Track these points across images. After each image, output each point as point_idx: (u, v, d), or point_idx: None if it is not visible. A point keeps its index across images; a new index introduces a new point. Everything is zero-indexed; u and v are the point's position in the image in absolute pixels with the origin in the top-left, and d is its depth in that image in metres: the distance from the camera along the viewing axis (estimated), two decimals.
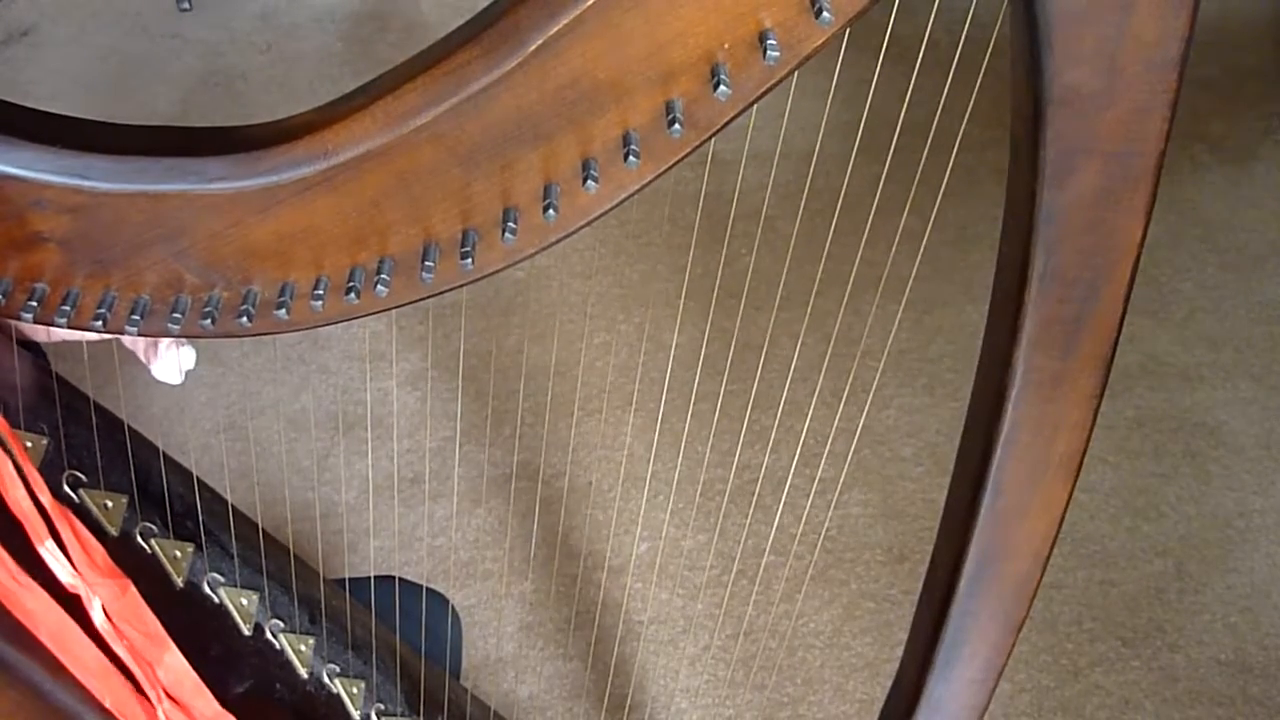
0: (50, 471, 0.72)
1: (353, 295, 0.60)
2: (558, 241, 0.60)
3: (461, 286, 0.61)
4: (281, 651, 0.82)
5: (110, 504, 0.75)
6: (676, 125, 0.55)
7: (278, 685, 0.82)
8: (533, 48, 0.53)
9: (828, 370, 1.79)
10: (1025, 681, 1.60)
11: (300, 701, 0.83)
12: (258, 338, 0.64)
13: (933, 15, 0.81)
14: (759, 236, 2.13)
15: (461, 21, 0.55)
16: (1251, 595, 1.68)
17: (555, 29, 0.52)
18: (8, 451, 0.66)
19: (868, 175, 0.92)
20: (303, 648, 0.83)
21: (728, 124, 0.56)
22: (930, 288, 2.05)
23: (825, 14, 0.52)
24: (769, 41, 0.53)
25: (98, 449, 0.75)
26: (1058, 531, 0.73)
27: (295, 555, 0.86)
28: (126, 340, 0.74)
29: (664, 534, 1.76)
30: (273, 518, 1.11)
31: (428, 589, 1.09)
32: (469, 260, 0.60)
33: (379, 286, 0.60)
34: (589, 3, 0.52)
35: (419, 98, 0.55)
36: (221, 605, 0.80)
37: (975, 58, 0.68)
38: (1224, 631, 1.65)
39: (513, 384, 1.92)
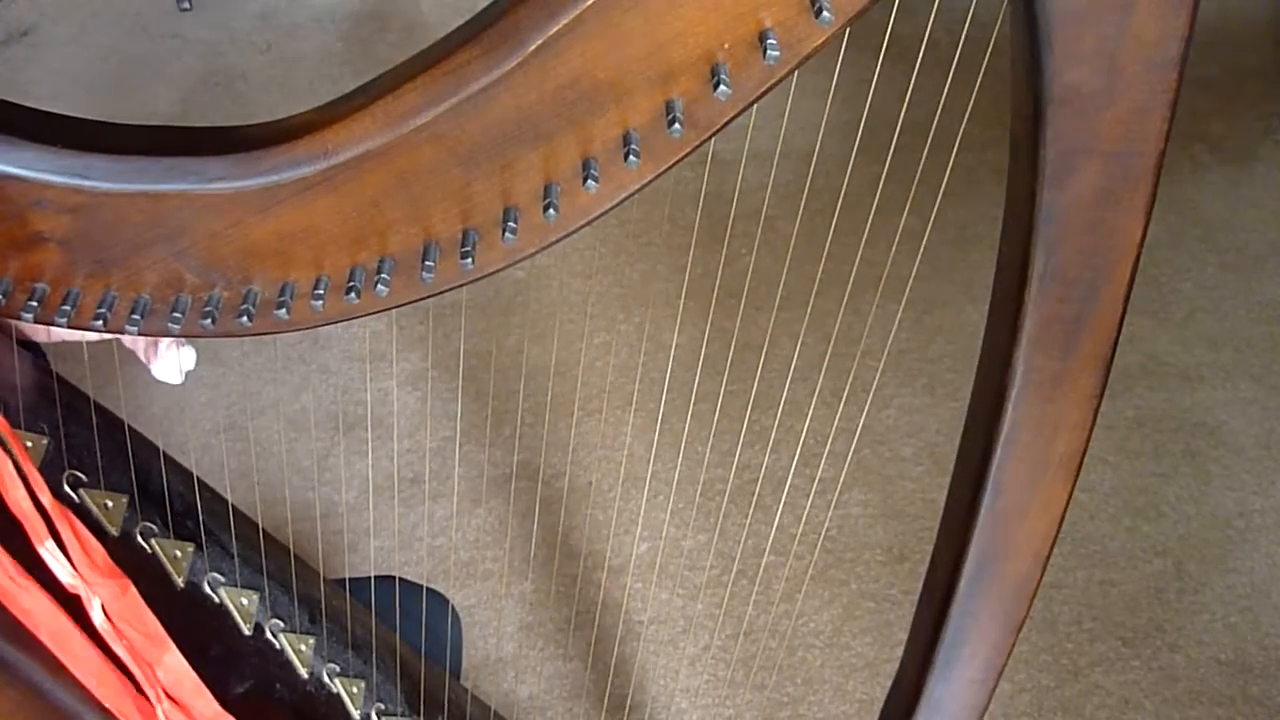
0: (50, 471, 0.72)
1: (353, 295, 0.60)
2: (558, 241, 0.60)
3: (462, 286, 0.61)
4: (281, 651, 0.82)
5: (110, 504, 0.75)
6: (676, 125, 0.55)
7: (278, 685, 0.82)
8: (533, 48, 0.53)
9: (828, 370, 1.79)
10: (1025, 681, 1.60)
11: (300, 701, 0.83)
12: (258, 337, 0.64)
13: (933, 15, 0.81)
14: (759, 236, 2.13)
15: (461, 21, 0.55)
16: (1251, 595, 1.68)
17: (555, 29, 0.52)
18: (8, 451, 0.66)
19: (868, 175, 0.92)
20: (303, 647, 0.83)
21: (728, 124, 0.56)
22: (930, 288, 2.05)
23: (825, 13, 0.52)
24: (769, 41, 0.53)
25: (98, 449, 0.75)
26: (1058, 531, 0.73)
27: (295, 555, 0.86)
28: (126, 340, 0.74)
29: (664, 534, 1.76)
30: (273, 518, 1.11)
31: (428, 589, 1.09)
32: (469, 260, 0.60)
33: (379, 286, 0.60)
34: (589, 3, 0.52)
35: (419, 98, 0.55)
36: (222, 605, 0.80)
37: (975, 58, 0.68)
38: (1224, 631, 1.65)
39: (513, 384, 1.92)
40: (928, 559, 0.80)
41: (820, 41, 0.54)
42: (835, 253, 1.32)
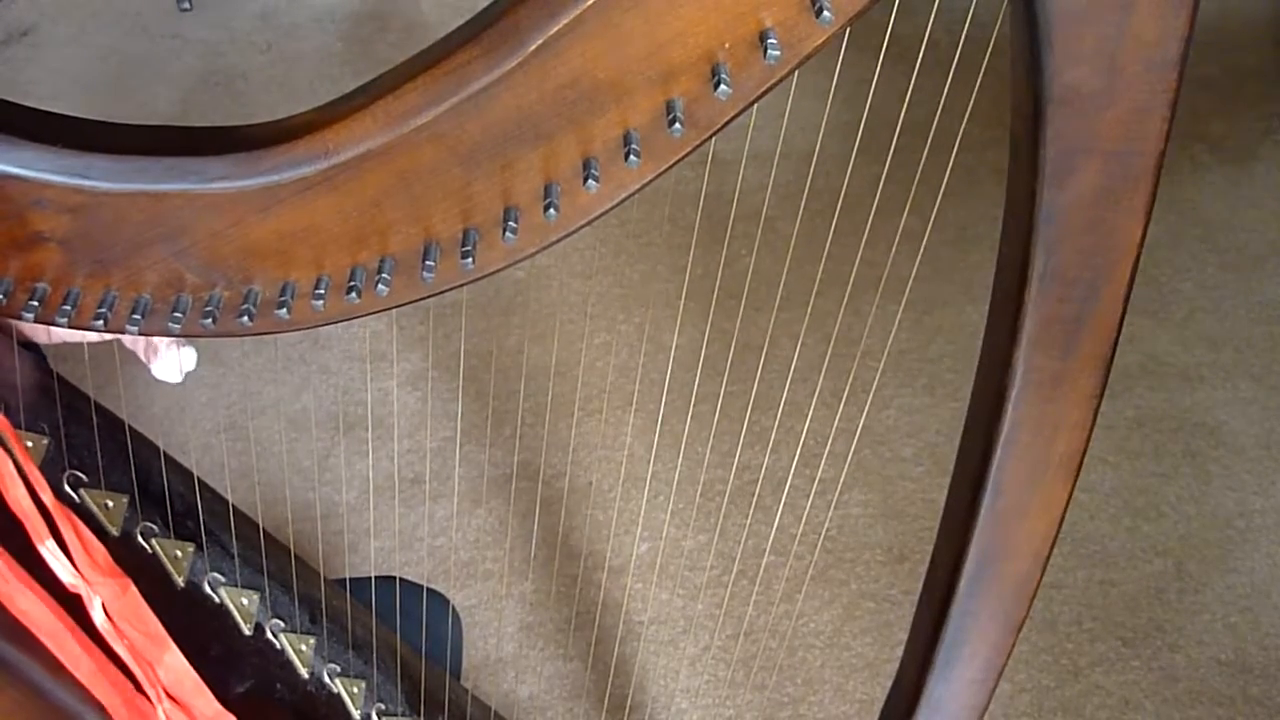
0: (51, 471, 0.72)
1: (354, 294, 0.60)
2: (558, 241, 0.60)
3: (462, 286, 0.61)
4: (282, 651, 0.82)
5: (111, 504, 0.75)
6: (677, 125, 0.55)
7: (278, 685, 0.82)
8: (533, 47, 0.53)
9: (828, 371, 1.79)
10: (1025, 681, 1.60)
11: (301, 701, 0.83)
12: (258, 337, 0.64)
13: (933, 15, 0.81)
14: (759, 237, 2.14)
15: (461, 21, 0.55)
16: (1251, 595, 1.68)
17: (555, 29, 0.53)
18: (8, 451, 0.66)
19: (868, 175, 0.92)
20: (303, 647, 0.83)
21: (728, 123, 0.56)
22: (930, 288, 2.05)
23: (826, 13, 0.52)
24: (769, 41, 0.53)
25: (98, 449, 0.75)
26: (1058, 531, 0.73)
27: (296, 555, 0.86)
28: (126, 340, 0.74)
29: (664, 534, 1.76)
30: (273, 518, 1.11)
31: (428, 589, 1.09)
32: (470, 260, 0.60)
33: (380, 286, 0.60)
34: (589, 2, 0.52)
35: (419, 97, 0.55)
36: (222, 605, 0.80)
37: (975, 58, 0.68)
38: (1224, 631, 1.65)
39: (513, 384, 1.92)
40: (928, 559, 0.80)
41: (820, 41, 0.54)
42: (835, 253, 1.32)
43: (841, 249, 1.74)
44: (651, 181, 0.58)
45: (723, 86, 0.54)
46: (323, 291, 0.61)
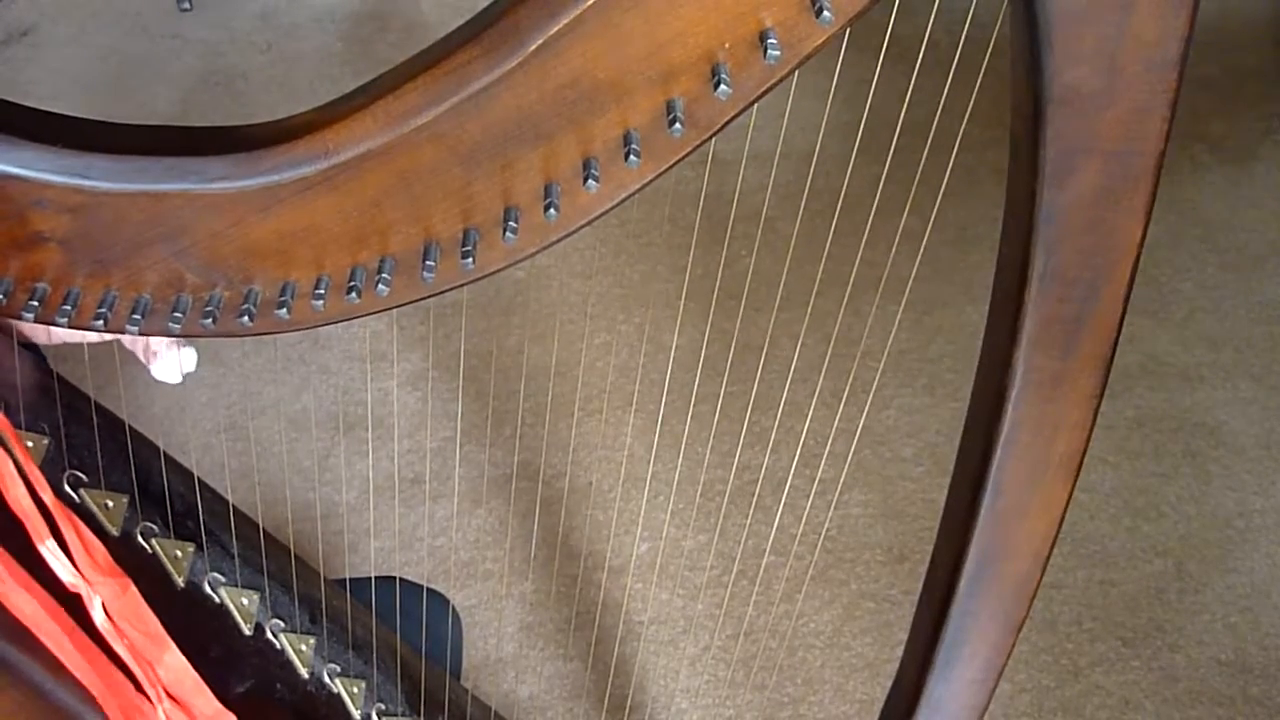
0: (51, 471, 0.72)
1: (354, 294, 0.60)
2: (558, 241, 0.60)
3: (462, 286, 0.62)
4: (282, 651, 0.82)
5: (111, 504, 0.75)
6: (677, 124, 0.55)
7: (278, 685, 0.82)
8: (533, 47, 0.53)
9: (828, 371, 1.79)
10: (1025, 681, 1.60)
11: (301, 701, 0.83)
12: (258, 337, 0.64)
13: (933, 15, 0.81)
14: (759, 237, 2.14)
15: (461, 21, 0.55)
16: (1251, 595, 1.68)
17: (555, 29, 0.53)
18: (8, 451, 0.66)
19: (868, 175, 0.92)
20: (303, 647, 0.83)
21: (728, 123, 0.57)
22: (930, 288, 2.05)
23: (826, 13, 0.52)
24: (769, 41, 0.53)
25: (99, 449, 0.75)
26: (1058, 531, 0.73)
27: (296, 555, 0.86)
28: (126, 340, 0.74)
29: (664, 534, 1.76)
30: (273, 518, 1.11)
31: (428, 589, 1.09)
32: (470, 259, 0.60)
33: (380, 286, 0.60)
34: (589, 3, 0.52)
35: (419, 97, 0.55)
36: (222, 605, 0.80)
37: (975, 58, 0.68)
38: (1224, 631, 1.65)
39: (513, 384, 1.92)
40: (928, 559, 0.80)
41: (821, 41, 0.54)
42: (835, 253, 1.32)
43: (841, 249, 1.74)
44: (652, 181, 0.58)
45: (723, 86, 0.54)
46: (323, 291, 0.61)
